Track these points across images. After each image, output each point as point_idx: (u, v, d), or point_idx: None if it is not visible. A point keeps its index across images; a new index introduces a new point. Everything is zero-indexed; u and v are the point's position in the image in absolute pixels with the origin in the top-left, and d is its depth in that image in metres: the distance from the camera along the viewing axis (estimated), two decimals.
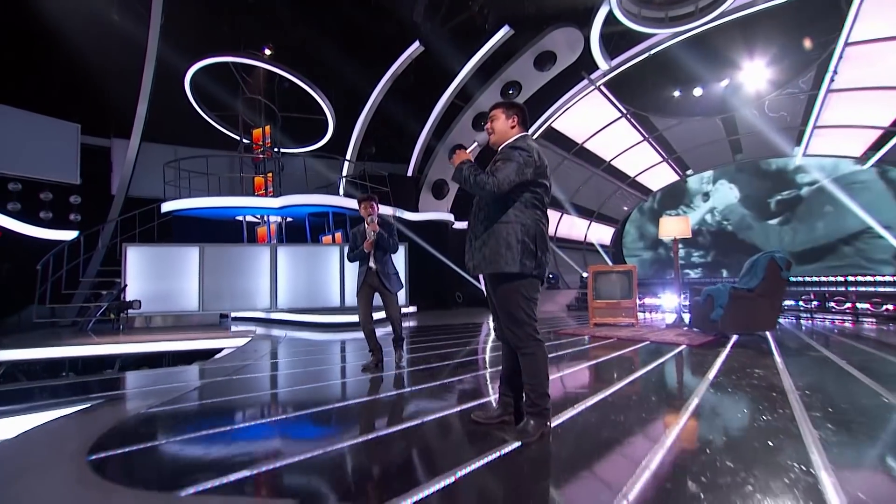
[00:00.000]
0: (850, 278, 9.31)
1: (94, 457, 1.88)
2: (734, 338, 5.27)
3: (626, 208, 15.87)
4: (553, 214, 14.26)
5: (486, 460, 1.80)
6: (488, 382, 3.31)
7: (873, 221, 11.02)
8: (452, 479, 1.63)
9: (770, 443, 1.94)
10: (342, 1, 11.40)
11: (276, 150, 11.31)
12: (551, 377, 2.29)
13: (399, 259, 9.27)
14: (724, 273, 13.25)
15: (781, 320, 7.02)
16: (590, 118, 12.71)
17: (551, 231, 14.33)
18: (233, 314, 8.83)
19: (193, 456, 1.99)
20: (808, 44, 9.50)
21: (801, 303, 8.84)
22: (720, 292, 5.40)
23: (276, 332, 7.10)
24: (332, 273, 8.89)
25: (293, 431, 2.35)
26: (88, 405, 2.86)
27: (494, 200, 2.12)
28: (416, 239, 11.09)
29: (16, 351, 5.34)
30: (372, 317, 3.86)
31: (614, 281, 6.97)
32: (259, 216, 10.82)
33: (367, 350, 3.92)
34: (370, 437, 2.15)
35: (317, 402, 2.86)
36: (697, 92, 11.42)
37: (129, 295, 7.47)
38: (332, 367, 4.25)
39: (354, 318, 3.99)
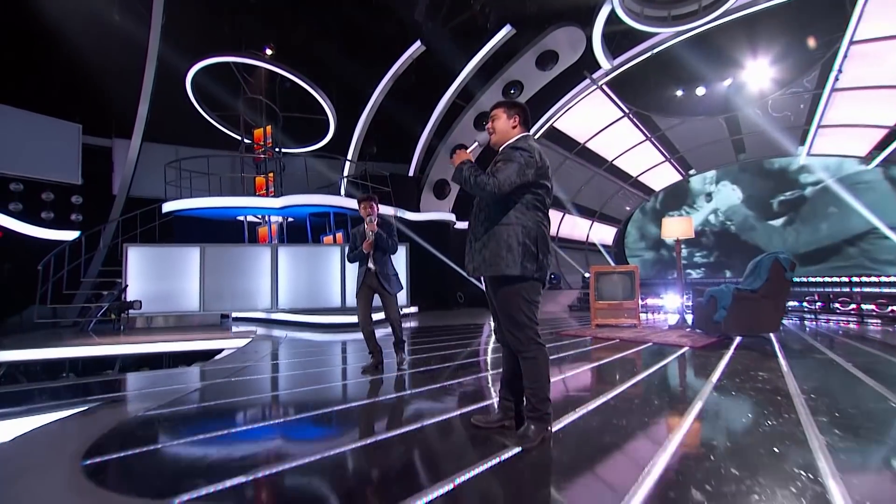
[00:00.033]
0: (855, 279, 9.24)
1: (88, 461, 1.86)
2: (737, 339, 5.23)
3: (628, 208, 15.81)
4: (555, 214, 14.23)
5: (485, 466, 1.77)
6: (489, 385, 3.28)
7: (879, 222, 10.93)
8: (451, 485, 1.60)
9: (776, 449, 1.90)
10: (343, 0, 11.36)
11: (277, 150, 11.29)
12: (553, 380, 2.26)
13: (400, 259, 9.24)
14: (728, 274, 13.19)
15: (785, 321, 6.96)
16: (592, 118, 12.66)
17: (553, 231, 14.36)
18: (234, 314, 8.83)
19: (190, 461, 1.97)
20: (812, 42, 9.43)
21: (805, 304, 8.77)
22: (723, 293, 5.36)
23: (276, 332, 7.09)
24: (332, 273, 8.87)
25: (291, 435, 2.32)
26: (86, 408, 2.84)
27: (495, 202, 2.09)
28: (417, 239, 11.06)
29: (16, 352, 5.34)
30: (371, 318, 3.83)
31: (616, 282, 6.93)
32: (260, 216, 10.81)
33: (367, 352, 3.89)
34: (368, 441, 2.12)
35: (316, 405, 2.84)
36: (700, 91, 11.36)
37: (130, 295, 7.46)
38: (332, 369, 4.23)
39: (355, 319, 3.95)
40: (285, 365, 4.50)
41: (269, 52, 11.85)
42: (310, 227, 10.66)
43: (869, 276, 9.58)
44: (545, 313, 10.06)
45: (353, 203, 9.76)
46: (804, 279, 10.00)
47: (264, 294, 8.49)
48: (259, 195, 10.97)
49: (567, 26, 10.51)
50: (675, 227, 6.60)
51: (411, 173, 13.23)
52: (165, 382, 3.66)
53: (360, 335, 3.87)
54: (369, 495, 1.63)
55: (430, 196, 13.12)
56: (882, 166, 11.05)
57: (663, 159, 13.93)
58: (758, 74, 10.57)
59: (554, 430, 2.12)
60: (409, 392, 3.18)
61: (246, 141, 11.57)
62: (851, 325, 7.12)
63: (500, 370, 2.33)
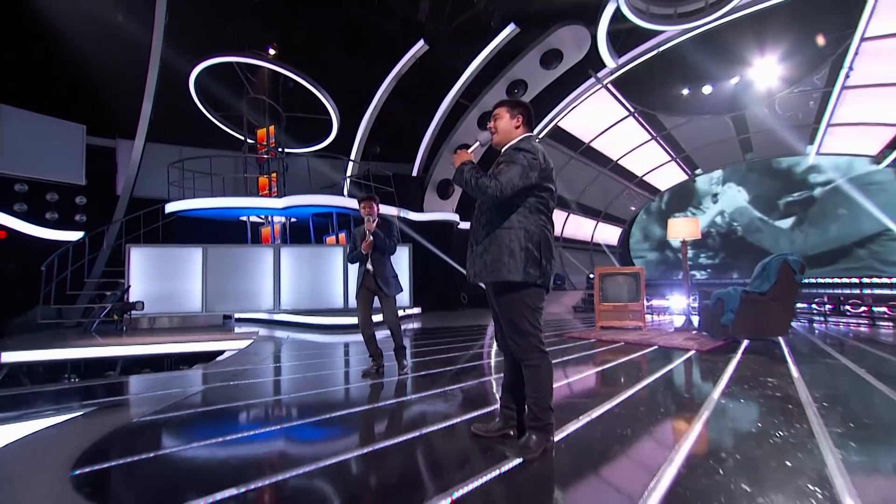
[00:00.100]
0: (866, 280, 9.07)
1: (78, 471, 1.81)
2: (745, 343, 5.13)
3: (633, 208, 15.68)
4: (559, 214, 14.12)
5: (485, 478, 1.71)
6: (490, 391, 3.22)
7: (891, 223, 10.73)
8: (449, 499, 1.54)
9: (788, 463, 1.82)
10: (346, 0, 11.32)
11: (280, 150, 11.28)
12: (556, 385, 2.19)
13: (403, 260, 9.19)
14: (735, 275, 13.02)
15: (794, 324, 6.84)
16: (597, 117, 12.55)
17: (557, 231, 14.29)
18: (236, 315, 8.82)
19: (182, 471, 1.92)
20: (821, 40, 9.26)
21: (814, 306, 8.63)
22: (731, 296, 5.26)
23: (279, 333, 7.06)
24: (335, 274, 8.84)
25: (288, 443, 2.27)
26: (81, 413, 2.80)
27: (497, 205, 2.02)
28: (420, 240, 11.01)
29: (18, 353, 5.34)
30: (372, 321, 3.77)
31: (621, 283, 6.83)
32: (263, 217, 10.80)
33: (368, 355, 3.83)
34: (365, 450, 2.06)
35: (313, 411, 2.79)
36: (707, 90, 11.22)
37: (133, 296, 7.46)
38: (332, 373, 4.18)
39: (357, 321, 3.89)
40: (286, 368, 4.45)
41: (272, 51, 11.84)
42: (313, 227, 10.64)
43: (880, 277, 9.40)
44: (549, 314, 9.98)
45: (356, 203, 9.67)
46: (813, 280, 9.83)
47: (267, 295, 8.47)
48: (262, 195, 10.96)
49: (572, 25, 10.41)
50: (682, 229, 6.51)
51: (415, 173, 13.18)
52: (163, 386, 3.63)
53: (362, 337, 3.81)
54: None
55: (433, 196, 13.07)
56: (894, 166, 10.85)
57: (669, 159, 13.79)
58: (766, 72, 10.42)
59: (556, 439, 2.05)
60: (408, 398, 3.12)
61: (249, 141, 11.56)
62: (862, 328, 6.99)
63: (502, 375, 2.26)
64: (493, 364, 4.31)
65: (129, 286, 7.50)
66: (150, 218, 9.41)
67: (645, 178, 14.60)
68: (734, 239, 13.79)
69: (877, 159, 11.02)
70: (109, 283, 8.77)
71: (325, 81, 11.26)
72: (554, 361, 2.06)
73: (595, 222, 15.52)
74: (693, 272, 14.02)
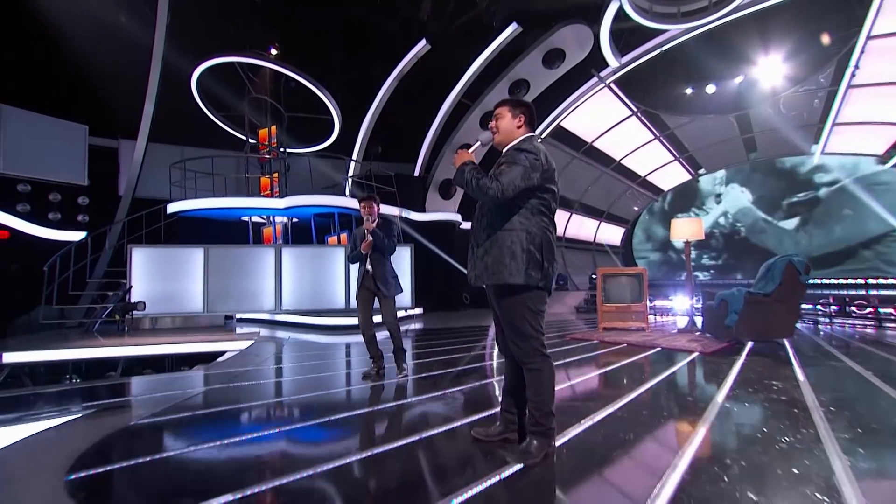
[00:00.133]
0: (872, 281, 8.98)
1: (73, 476, 1.79)
2: (749, 344, 5.08)
3: (636, 208, 15.61)
4: (562, 214, 14.07)
5: (485, 484, 1.68)
6: (491, 394, 3.18)
7: None
8: None
9: (795, 470, 1.78)
10: (348, 0, 11.31)
11: (281, 150, 11.27)
12: (558, 387, 2.15)
13: (405, 260, 9.17)
14: (739, 276, 12.93)
15: (799, 325, 6.77)
16: (599, 116, 12.49)
17: (560, 231, 14.24)
18: (238, 315, 8.82)
19: (178, 475, 1.90)
20: (826, 39, 9.17)
21: (819, 307, 8.55)
22: (735, 297, 5.21)
23: (280, 334, 7.05)
24: (337, 274, 8.82)
25: (285, 447, 2.24)
26: (79, 415, 2.79)
27: (498, 206, 1.98)
28: (422, 240, 10.98)
29: (19, 353, 5.34)
30: (372, 322, 3.75)
31: (624, 284, 6.79)
32: (265, 217, 10.80)
33: (368, 356, 3.81)
34: (363, 455, 2.03)
35: (314, 414, 2.76)
36: (710, 89, 11.14)
37: (135, 296, 7.47)
38: (333, 374, 4.15)
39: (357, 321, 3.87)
40: (286, 369, 4.44)
41: (273, 51, 11.84)
42: (314, 227, 10.63)
43: (886, 278, 9.30)
44: (551, 315, 9.93)
45: (357, 203, 9.69)
46: (818, 281, 9.74)
47: (268, 295, 8.46)
48: (264, 196, 10.95)
49: (574, 24, 10.36)
50: (685, 229, 6.45)
51: (417, 173, 13.15)
52: (163, 387, 3.61)
53: (362, 338, 3.79)
54: None
55: (435, 196, 13.04)
56: None
57: (672, 158, 13.71)
58: (770, 71, 10.33)
59: (557, 444, 2.02)
60: (408, 400, 3.09)
61: (251, 141, 11.56)
62: (868, 330, 6.92)
63: (503, 378, 2.23)
64: (494, 366, 4.28)
65: (130, 286, 7.50)
66: (152, 218, 9.42)
67: (648, 178, 14.52)
68: (738, 239, 13.69)
69: (883, 159, 10.91)
70: (111, 283, 8.78)
71: (327, 81, 11.25)
72: (556, 363, 2.03)
73: (598, 222, 15.46)
74: (696, 273, 13.93)
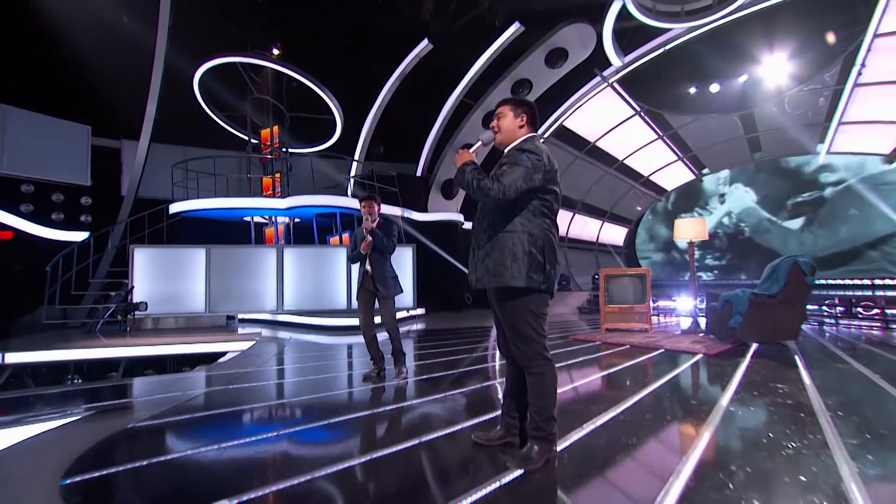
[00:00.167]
0: (878, 282, 8.88)
1: (68, 481, 1.77)
2: (754, 346, 5.02)
3: (639, 208, 15.54)
4: (564, 214, 14.02)
5: (485, 490, 1.65)
6: (493, 396, 3.15)
7: None
8: None
9: (802, 477, 1.75)
10: (350, 0, 11.30)
11: (283, 150, 11.27)
12: (560, 390, 2.12)
13: (407, 260, 9.15)
14: (743, 277, 12.84)
15: (804, 327, 6.70)
16: (602, 116, 12.43)
17: (563, 231, 14.18)
18: (240, 316, 8.82)
19: (175, 480, 1.88)
20: (831, 38, 9.08)
21: (824, 308, 8.47)
22: (739, 298, 5.16)
23: (282, 334, 7.04)
24: (338, 274, 8.81)
25: (283, 451, 2.22)
26: (77, 417, 2.77)
27: (499, 208, 1.95)
28: (424, 240, 10.96)
29: (21, 354, 5.35)
30: (373, 322, 3.73)
31: (627, 285, 6.74)
32: (267, 217, 10.80)
33: (369, 357, 3.78)
34: (361, 460, 2.01)
35: (313, 416, 2.75)
36: (714, 88, 11.07)
37: (137, 296, 7.48)
38: (333, 376, 4.13)
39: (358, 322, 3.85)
40: (287, 370, 4.42)
41: (275, 52, 11.84)
42: (316, 228, 10.62)
43: (892, 278, 9.20)
44: (554, 315, 9.89)
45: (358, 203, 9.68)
46: (824, 282, 9.66)
47: (270, 295, 8.46)
48: (266, 196, 10.96)
49: (577, 23, 10.31)
50: (688, 229, 6.40)
51: (419, 173, 13.13)
52: (163, 389, 3.60)
53: (363, 339, 3.77)
54: None
55: (437, 196, 13.02)
56: None
57: (675, 158, 13.64)
58: (775, 70, 10.24)
59: (559, 448, 1.99)
60: (408, 403, 3.07)
61: (253, 141, 11.57)
62: (875, 331, 6.84)
63: (504, 381, 2.20)
64: (495, 368, 4.25)
65: (132, 287, 7.51)
66: (155, 218, 9.44)
67: (651, 178, 14.45)
68: (742, 240, 13.60)
69: (889, 158, 10.81)
70: (114, 283, 8.80)
71: (329, 81, 11.24)
72: (558, 364, 2.00)
73: (600, 222, 15.40)
74: (700, 273, 13.85)
